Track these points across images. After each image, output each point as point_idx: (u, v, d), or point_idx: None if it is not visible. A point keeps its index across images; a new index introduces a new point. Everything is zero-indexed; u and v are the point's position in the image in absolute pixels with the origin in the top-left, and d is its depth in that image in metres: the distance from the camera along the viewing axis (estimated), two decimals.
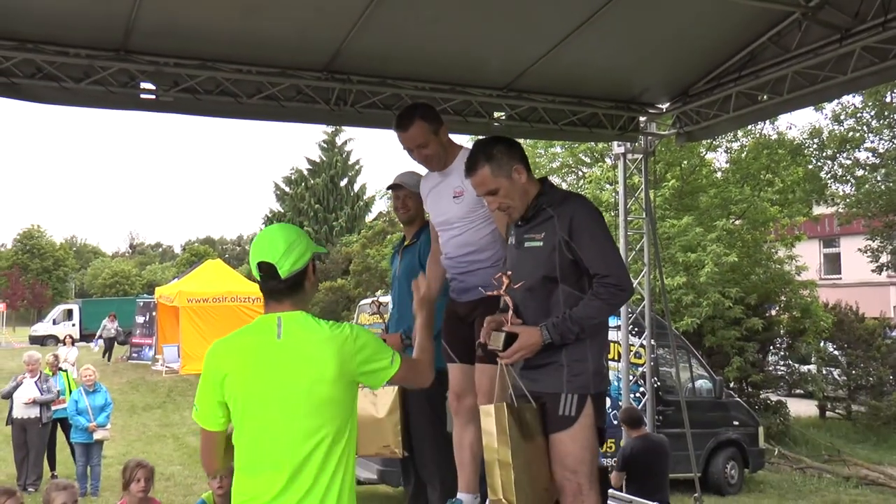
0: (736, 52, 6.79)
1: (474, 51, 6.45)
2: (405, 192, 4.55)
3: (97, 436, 10.15)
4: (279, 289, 2.64)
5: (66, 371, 12.02)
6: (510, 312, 3.34)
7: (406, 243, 4.69)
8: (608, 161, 17.69)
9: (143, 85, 6.03)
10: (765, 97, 6.82)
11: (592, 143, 17.61)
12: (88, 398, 10.28)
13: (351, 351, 2.60)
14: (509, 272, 3.38)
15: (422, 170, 4.18)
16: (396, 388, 4.34)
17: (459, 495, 3.94)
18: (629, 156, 8.51)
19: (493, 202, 3.40)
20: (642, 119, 8.02)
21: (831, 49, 6.02)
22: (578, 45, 6.29)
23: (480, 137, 3.55)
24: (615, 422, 9.50)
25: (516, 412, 3.22)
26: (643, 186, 8.64)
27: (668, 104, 7.81)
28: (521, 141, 4.58)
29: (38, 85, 5.74)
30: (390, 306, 4.87)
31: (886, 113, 17.10)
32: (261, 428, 2.58)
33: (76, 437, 10.26)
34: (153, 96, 6.10)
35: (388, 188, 4.71)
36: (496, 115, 7.31)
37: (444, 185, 3.96)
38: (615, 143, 8.55)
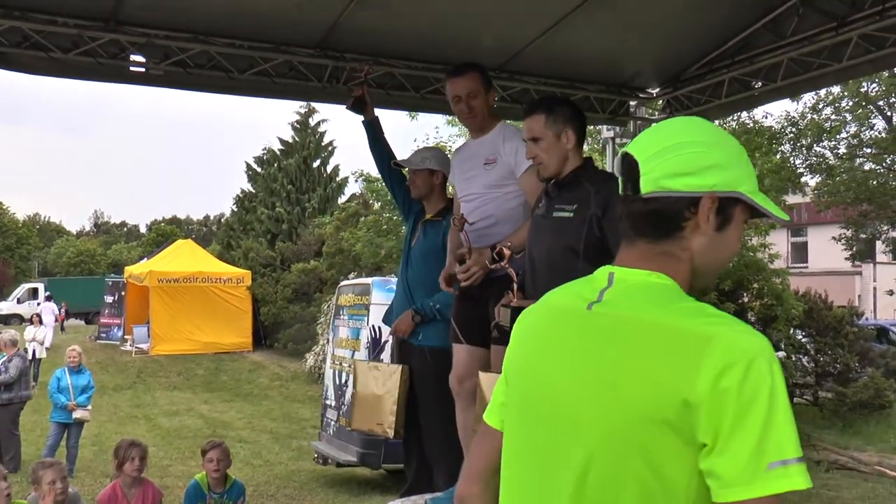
0: (730, 38, 6.75)
1: (469, 31, 6.35)
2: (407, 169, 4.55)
3: (76, 415, 9.97)
4: (637, 213, 1.49)
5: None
6: (515, 286, 3.31)
7: (427, 217, 4.57)
8: (592, 144, 17.64)
9: (134, 57, 5.86)
10: (758, 84, 6.83)
11: None
12: (72, 378, 10.11)
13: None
14: (509, 244, 3.37)
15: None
16: (401, 367, 4.32)
17: None
18: (618, 140, 8.50)
19: (532, 150, 3.42)
20: (632, 104, 8.01)
21: (827, 37, 5.98)
22: (573, 28, 6.22)
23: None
24: None
25: None
26: None
27: (658, 89, 7.80)
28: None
29: (25, 54, 5.54)
30: (397, 283, 4.82)
31: (864, 103, 17.24)
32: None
33: (55, 417, 10.09)
34: (143, 69, 5.93)
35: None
36: None
37: (477, 152, 4.00)
38: (604, 127, 8.53)
